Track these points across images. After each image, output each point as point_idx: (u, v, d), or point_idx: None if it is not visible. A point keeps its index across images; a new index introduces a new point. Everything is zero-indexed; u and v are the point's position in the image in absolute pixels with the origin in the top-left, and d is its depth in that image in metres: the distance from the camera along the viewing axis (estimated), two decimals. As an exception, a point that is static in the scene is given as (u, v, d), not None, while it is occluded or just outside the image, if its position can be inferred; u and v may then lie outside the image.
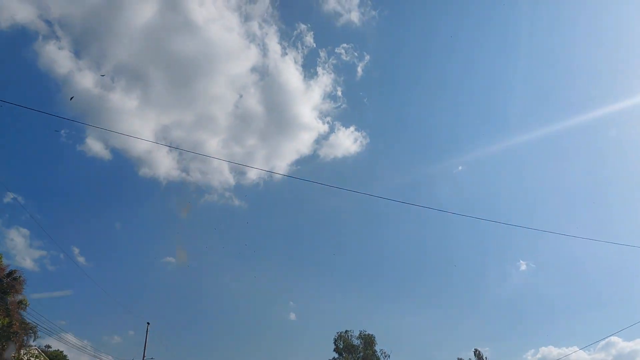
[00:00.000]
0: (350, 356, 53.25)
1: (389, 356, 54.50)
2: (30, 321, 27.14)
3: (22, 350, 25.90)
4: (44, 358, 33.55)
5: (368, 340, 54.56)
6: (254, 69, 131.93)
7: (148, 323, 39.75)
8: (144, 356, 37.69)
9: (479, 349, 66.08)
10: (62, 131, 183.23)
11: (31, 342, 34.11)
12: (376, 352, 54.35)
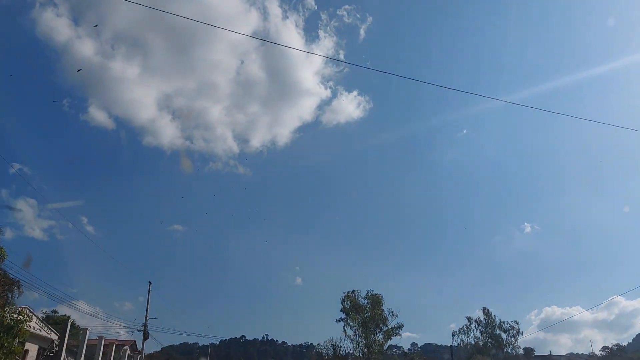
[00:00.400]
0: (358, 316, 51.76)
1: (397, 315, 53.12)
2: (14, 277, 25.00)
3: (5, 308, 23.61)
4: (37, 320, 31.46)
5: (375, 300, 53.13)
6: (254, 34, 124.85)
7: (150, 282, 38.36)
8: (146, 315, 35.94)
9: (487, 307, 65.20)
10: (65, 100, 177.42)
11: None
12: (384, 311, 52.94)
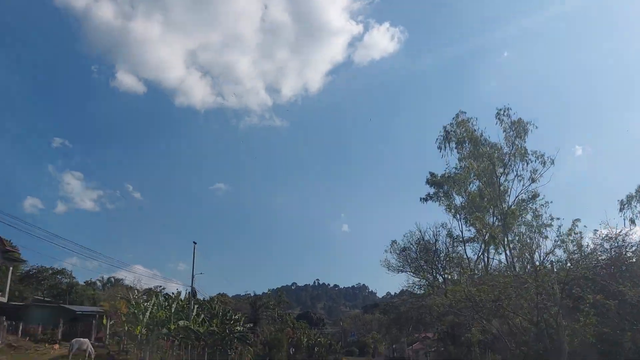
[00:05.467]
0: (477, 163, 37.95)
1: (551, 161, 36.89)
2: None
3: None
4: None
5: (520, 127, 37.36)
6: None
7: (195, 242, 38.53)
8: (192, 273, 36.43)
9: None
10: (93, 67, 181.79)
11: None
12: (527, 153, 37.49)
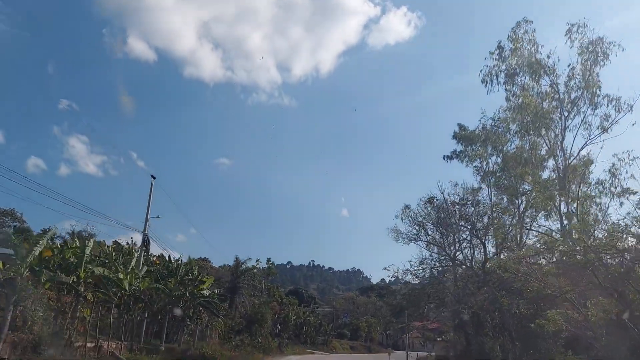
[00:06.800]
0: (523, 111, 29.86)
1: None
2: None
3: None
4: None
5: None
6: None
7: (153, 177, 29.54)
8: (146, 216, 27.81)
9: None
10: (104, 30, 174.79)
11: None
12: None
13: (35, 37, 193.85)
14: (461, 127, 37.71)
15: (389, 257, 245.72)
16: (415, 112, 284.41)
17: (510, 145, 32.73)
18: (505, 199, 32.54)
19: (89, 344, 17.36)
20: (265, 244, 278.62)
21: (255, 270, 52.77)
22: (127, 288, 20.61)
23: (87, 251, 18.30)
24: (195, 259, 50.12)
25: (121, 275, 20.82)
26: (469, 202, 31.43)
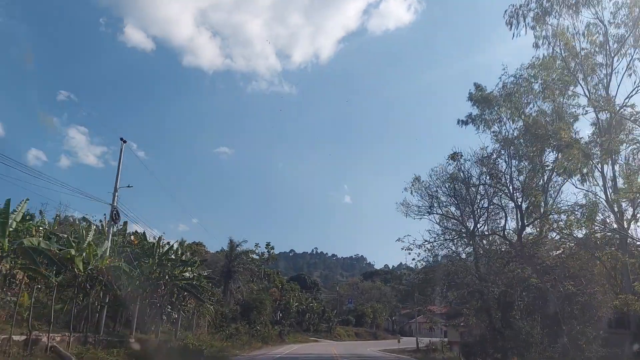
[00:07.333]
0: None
1: None
2: None
3: None
4: None
5: None
6: None
7: (124, 141, 25.08)
8: (115, 185, 23.62)
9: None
10: (101, 19, 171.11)
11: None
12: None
13: (32, 27, 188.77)
14: (477, 86, 33.16)
15: (392, 245, 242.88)
16: (417, 97, 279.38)
17: (537, 104, 28.30)
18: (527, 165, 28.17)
19: (16, 337, 13.24)
20: (268, 232, 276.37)
21: (253, 256, 48.70)
22: (80, 267, 16.55)
23: (18, 218, 14.20)
24: (189, 243, 46.31)
25: (73, 252, 16.69)
26: (503, 155, 26.80)
